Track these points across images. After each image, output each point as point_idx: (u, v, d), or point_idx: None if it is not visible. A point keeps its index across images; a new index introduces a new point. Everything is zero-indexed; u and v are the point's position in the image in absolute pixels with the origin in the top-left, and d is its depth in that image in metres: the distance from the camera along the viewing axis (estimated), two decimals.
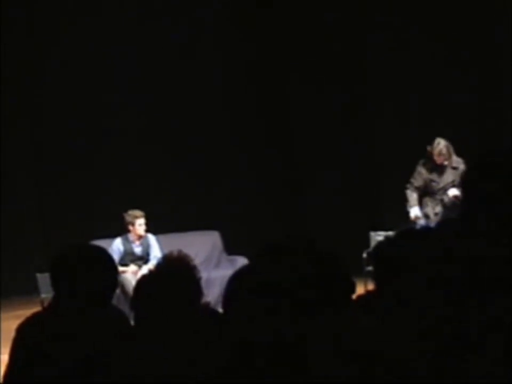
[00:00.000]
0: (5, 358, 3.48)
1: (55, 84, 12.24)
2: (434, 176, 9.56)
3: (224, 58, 12.79)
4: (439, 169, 9.54)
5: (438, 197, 9.50)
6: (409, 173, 9.86)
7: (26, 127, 12.32)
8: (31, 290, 9.80)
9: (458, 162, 9.39)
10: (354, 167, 12.56)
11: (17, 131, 12.12)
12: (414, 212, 9.53)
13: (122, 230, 9.86)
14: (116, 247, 9.60)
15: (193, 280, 3.27)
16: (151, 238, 9.89)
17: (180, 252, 4.09)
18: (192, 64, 12.61)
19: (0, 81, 11.76)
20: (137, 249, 9.80)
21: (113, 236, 9.83)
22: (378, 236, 9.47)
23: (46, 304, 7.57)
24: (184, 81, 12.57)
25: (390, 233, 7.95)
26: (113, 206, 10.39)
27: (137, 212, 9.78)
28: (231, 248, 11.09)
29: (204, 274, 3.79)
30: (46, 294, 8.60)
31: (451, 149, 9.45)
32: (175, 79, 12.54)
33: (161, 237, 10.17)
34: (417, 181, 9.66)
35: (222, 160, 12.77)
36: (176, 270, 3.42)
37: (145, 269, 8.86)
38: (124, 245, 9.72)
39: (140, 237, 9.79)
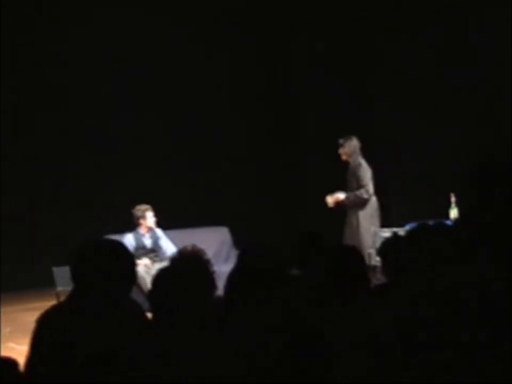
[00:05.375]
0: (22, 348, 3.48)
1: (55, 82, 12.26)
2: None
3: (231, 57, 12.84)
4: None
5: None
6: (413, 170, 9.69)
7: (43, 121, 12.34)
8: (47, 283, 9.88)
9: None
10: None
11: (36, 124, 12.18)
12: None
13: (133, 225, 9.97)
14: (128, 242, 9.68)
15: (207, 274, 3.30)
16: (158, 230, 10.03)
17: (194, 246, 4.14)
18: (198, 61, 12.66)
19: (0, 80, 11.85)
20: (148, 242, 9.92)
21: (127, 230, 9.93)
22: (383, 233, 9.46)
23: (61, 297, 7.65)
24: (191, 77, 12.62)
25: (395, 230, 8.03)
26: (127, 202, 10.49)
27: (146, 206, 9.96)
28: (240, 243, 11.16)
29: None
30: (62, 287, 8.68)
31: None
32: (181, 74, 12.59)
33: (172, 232, 10.25)
34: None
35: (232, 157, 12.84)
36: (191, 264, 3.48)
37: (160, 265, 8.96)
38: (135, 239, 9.84)
39: (149, 229, 9.93)
